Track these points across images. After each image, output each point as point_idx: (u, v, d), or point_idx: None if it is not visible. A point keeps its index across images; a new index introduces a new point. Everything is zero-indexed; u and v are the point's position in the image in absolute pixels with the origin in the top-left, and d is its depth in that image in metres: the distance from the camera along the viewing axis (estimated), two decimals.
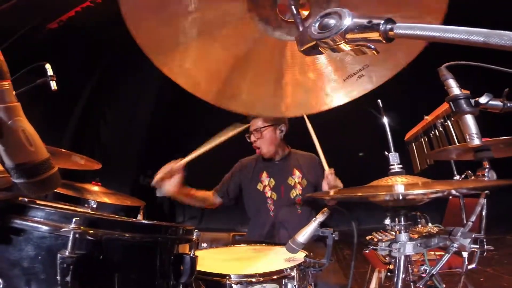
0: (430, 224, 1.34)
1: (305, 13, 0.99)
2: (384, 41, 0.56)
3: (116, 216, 1.15)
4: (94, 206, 1.75)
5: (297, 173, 1.95)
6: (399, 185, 0.91)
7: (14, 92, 0.69)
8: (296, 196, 1.92)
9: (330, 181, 1.67)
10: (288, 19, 1.01)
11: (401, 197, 0.91)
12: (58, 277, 0.70)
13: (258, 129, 1.88)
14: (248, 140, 1.92)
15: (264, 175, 1.94)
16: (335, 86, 1.08)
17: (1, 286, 0.71)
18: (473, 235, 0.92)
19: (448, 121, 2.00)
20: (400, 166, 0.99)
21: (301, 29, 0.74)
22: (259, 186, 1.93)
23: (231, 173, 2.02)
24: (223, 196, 1.99)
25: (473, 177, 1.22)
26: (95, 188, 1.88)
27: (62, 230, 0.73)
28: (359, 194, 1.00)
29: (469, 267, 1.48)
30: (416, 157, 2.47)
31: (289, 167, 1.96)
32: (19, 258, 0.73)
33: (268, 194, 1.91)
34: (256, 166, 1.99)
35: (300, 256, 1.31)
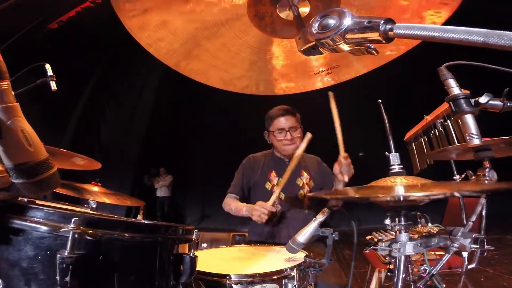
0: (430, 224, 1.34)
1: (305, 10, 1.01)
2: (384, 41, 0.56)
3: (116, 216, 1.15)
4: (94, 206, 1.75)
5: (305, 174, 1.96)
6: (399, 187, 0.90)
7: (13, 92, 0.69)
8: (304, 197, 1.93)
9: (343, 166, 1.66)
10: (285, 18, 1.02)
11: (401, 199, 0.91)
12: (57, 277, 0.70)
13: (298, 126, 1.90)
14: (279, 138, 1.89)
15: (273, 174, 1.94)
16: (305, 77, 1.29)
17: (1, 286, 0.71)
18: (473, 235, 0.92)
19: (448, 121, 2.00)
20: (401, 166, 0.99)
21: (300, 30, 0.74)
22: (267, 185, 1.92)
23: (242, 170, 2.01)
24: (241, 194, 1.98)
25: (473, 177, 1.22)
26: (95, 188, 1.88)
27: (61, 230, 0.73)
28: (358, 196, 1.00)
29: (469, 267, 1.48)
30: (416, 157, 2.47)
31: (298, 168, 1.95)
32: (19, 258, 0.72)
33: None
34: (265, 165, 1.99)
35: (300, 256, 1.31)
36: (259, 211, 1.69)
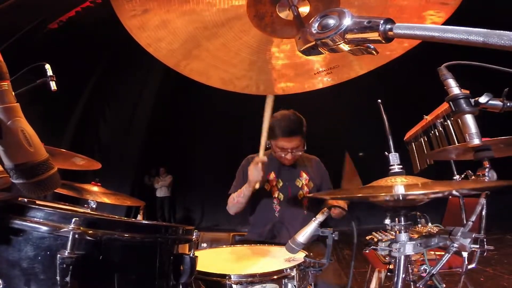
0: (430, 224, 1.34)
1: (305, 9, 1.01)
2: (383, 41, 0.56)
3: (116, 216, 1.15)
4: (94, 206, 1.75)
5: (304, 175, 1.96)
6: (399, 186, 0.90)
7: (13, 93, 0.69)
8: (303, 198, 1.92)
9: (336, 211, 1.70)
10: (285, 18, 1.02)
11: (401, 198, 0.91)
12: (58, 278, 0.70)
13: (301, 145, 1.86)
14: (279, 154, 1.87)
15: (272, 175, 1.94)
16: (305, 77, 1.30)
17: (1, 286, 0.71)
18: (473, 235, 0.92)
19: (448, 121, 2.00)
20: (400, 166, 0.99)
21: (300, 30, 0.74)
22: (266, 186, 1.92)
23: (242, 171, 2.00)
24: None
25: (473, 177, 1.22)
26: (95, 189, 1.88)
27: (62, 230, 0.73)
28: (359, 195, 1.00)
29: (469, 267, 1.48)
30: (416, 157, 2.47)
31: (297, 169, 1.97)
32: (19, 258, 0.72)
33: (275, 194, 1.91)
34: (264, 166, 1.98)
35: (300, 256, 1.31)
36: (252, 169, 1.70)
